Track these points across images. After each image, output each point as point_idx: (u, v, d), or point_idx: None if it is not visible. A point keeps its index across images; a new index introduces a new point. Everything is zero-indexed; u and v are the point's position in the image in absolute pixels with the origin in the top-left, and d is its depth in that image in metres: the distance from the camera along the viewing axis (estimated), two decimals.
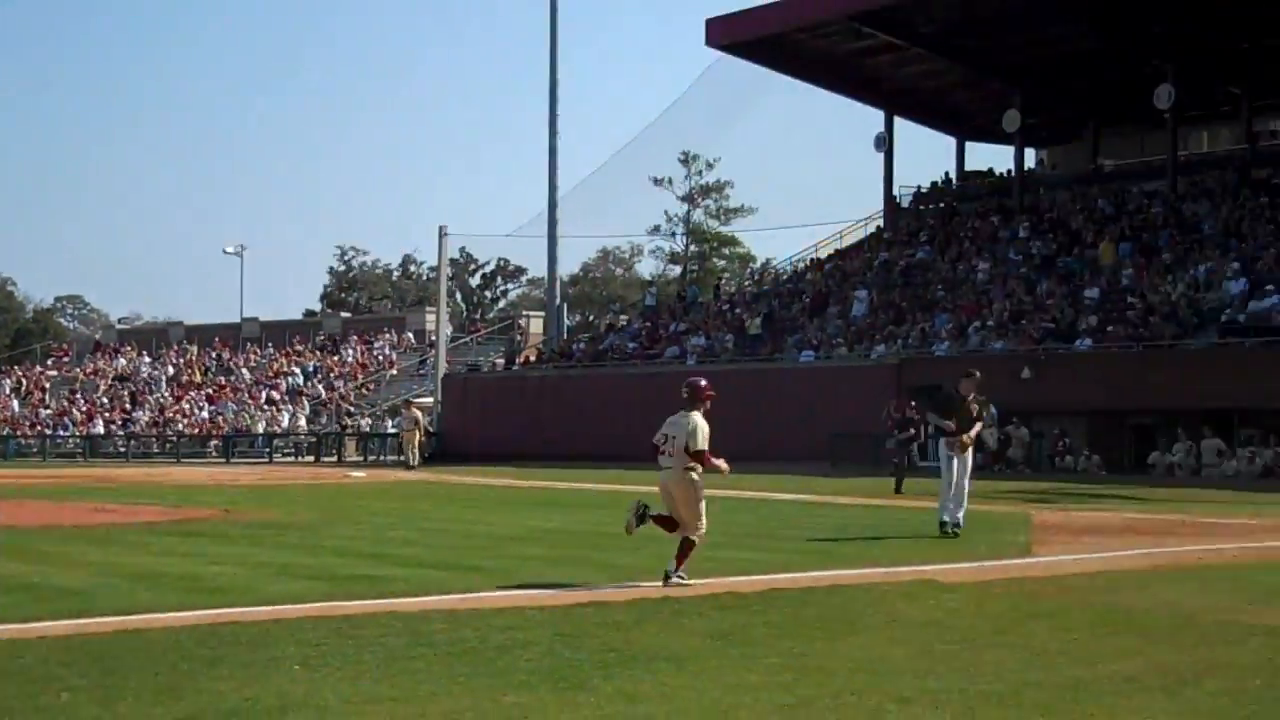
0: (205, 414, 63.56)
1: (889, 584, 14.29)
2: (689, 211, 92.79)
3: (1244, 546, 18.40)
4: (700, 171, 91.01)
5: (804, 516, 24.05)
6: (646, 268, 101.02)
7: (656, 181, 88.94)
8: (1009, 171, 56.81)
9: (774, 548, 18.22)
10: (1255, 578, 14.99)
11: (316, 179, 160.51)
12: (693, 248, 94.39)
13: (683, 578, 14.32)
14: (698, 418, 14.49)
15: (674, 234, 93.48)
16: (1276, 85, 50.71)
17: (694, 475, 14.46)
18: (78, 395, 69.94)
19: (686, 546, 14.50)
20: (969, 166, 59.90)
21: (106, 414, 66.38)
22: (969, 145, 59.98)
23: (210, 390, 67.17)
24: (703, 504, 14.61)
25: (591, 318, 79.59)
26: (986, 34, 49.98)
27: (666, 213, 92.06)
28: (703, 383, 14.83)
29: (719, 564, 16.17)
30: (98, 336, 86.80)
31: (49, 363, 77.45)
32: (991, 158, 60.51)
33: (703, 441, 14.30)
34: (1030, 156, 58.51)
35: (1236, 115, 53.22)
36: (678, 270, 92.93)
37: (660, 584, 14.12)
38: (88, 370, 74.37)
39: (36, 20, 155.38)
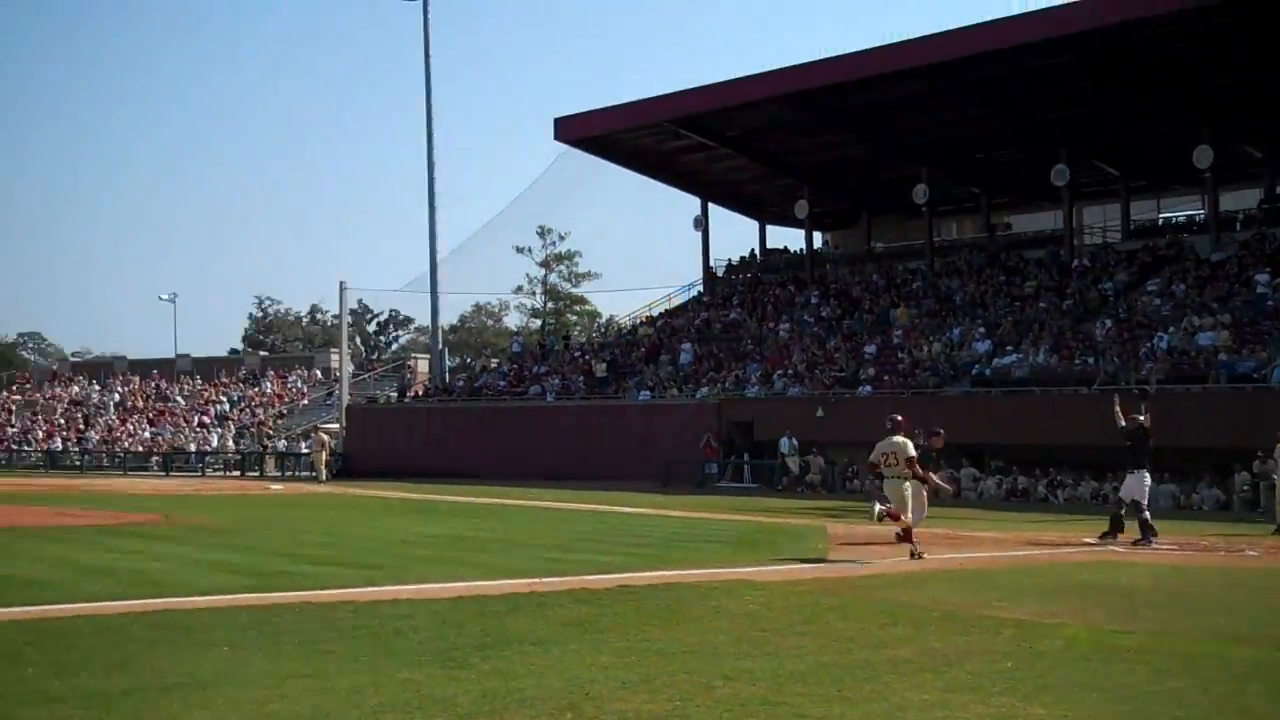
0: (147, 434, 62.01)
1: (713, 583, 14.25)
2: (546, 275, 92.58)
3: (995, 555, 18.60)
4: (554, 242, 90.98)
5: (643, 526, 23.98)
6: (512, 320, 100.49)
7: (519, 250, 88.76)
8: (801, 250, 57.42)
9: (619, 551, 18.12)
10: (1004, 579, 15.16)
11: (241, 238, 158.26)
12: (549, 305, 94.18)
13: (920, 552, 16.93)
14: (903, 439, 17.30)
15: (534, 293, 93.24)
16: (1005, 188, 51.80)
17: (907, 481, 17.21)
18: (39, 417, 67.83)
19: (907, 534, 17.16)
20: (770, 245, 60.38)
21: (63, 433, 64.46)
22: (770, 228, 60.48)
23: (151, 415, 65.52)
24: (910, 499, 17.47)
25: (468, 360, 78.85)
26: (779, 139, 50.53)
27: (527, 275, 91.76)
28: (899, 418, 17.71)
29: (575, 565, 16.09)
30: (54, 367, 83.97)
31: (14, 388, 74.99)
32: (787, 238, 60.80)
33: (912, 452, 17.21)
34: (818, 238, 59.09)
35: (978, 210, 54.23)
36: (538, 323, 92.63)
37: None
38: (47, 395, 72.12)
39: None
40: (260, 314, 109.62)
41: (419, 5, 57.35)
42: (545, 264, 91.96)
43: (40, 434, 64.25)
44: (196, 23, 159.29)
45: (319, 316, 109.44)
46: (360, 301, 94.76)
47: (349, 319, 63.95)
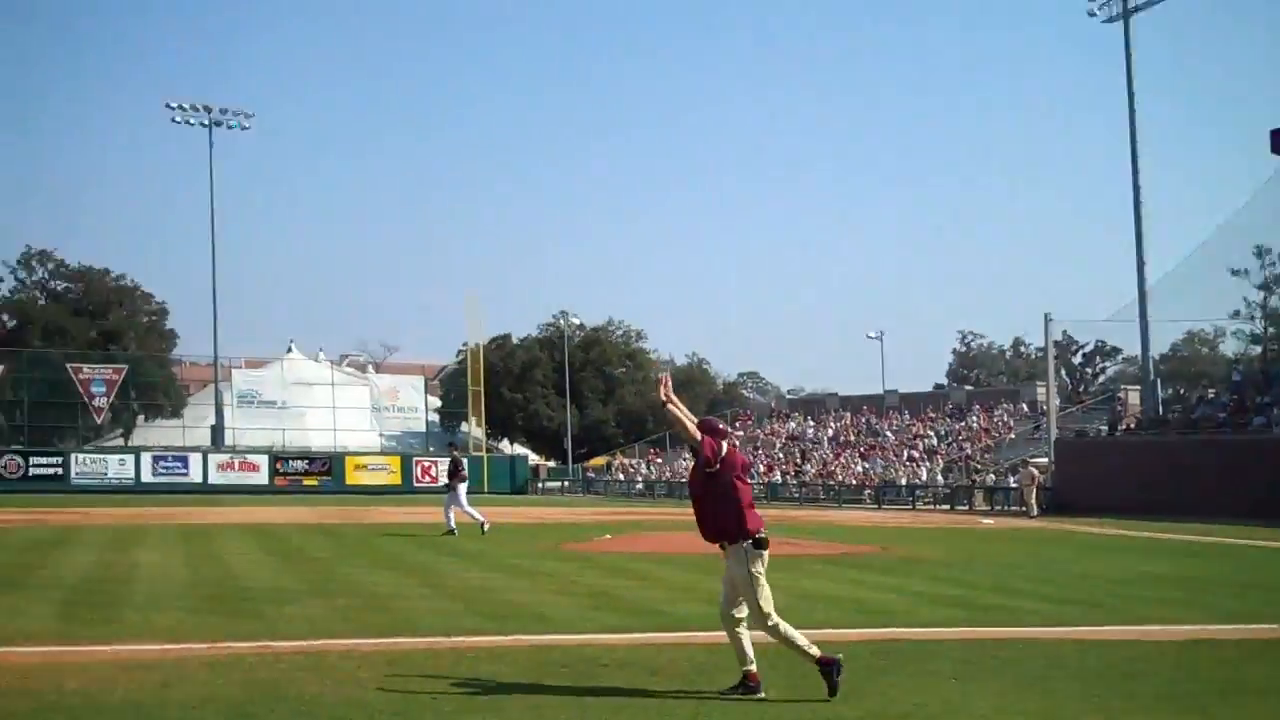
0: (860, 468, 64.04)
1: None
2: (1265, 298, 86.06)
3: None
4: (1274, 263, 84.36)
5: None
6: (1229, 347, 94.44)
7: (1234, 272, 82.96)
8: None
9: None
10: None
11: (946, 275, 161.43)
12: (1270, 330, 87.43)
13: None
14: None
15: (1253, 318, 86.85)
16: None
17: None
18: (760, 451, 72.17)
19: None
20: None
21: (782, 466, 68.17)
22: None
23: (862, 449, 67.69)
24: None
25: (1182, 391, 74.97)
26: None
27: (1245, 299, 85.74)
28: None
29: None
30: (772, 404, 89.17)
31: (736, 425, 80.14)
32: None
33: None
34: None
35: None
36: (1258, 349, 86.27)
37: None
38: (766, 431, 76.58)
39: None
40: (963, 349, 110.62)
41: (1119, 26, 55.94)
42: (1265, 286, 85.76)
43: (762, 468, 68.40)
44: (917, 78, 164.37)
45: (1021, 349, 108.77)
46: (1065, 333, 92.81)
47: (1054, 351, 62.94)
